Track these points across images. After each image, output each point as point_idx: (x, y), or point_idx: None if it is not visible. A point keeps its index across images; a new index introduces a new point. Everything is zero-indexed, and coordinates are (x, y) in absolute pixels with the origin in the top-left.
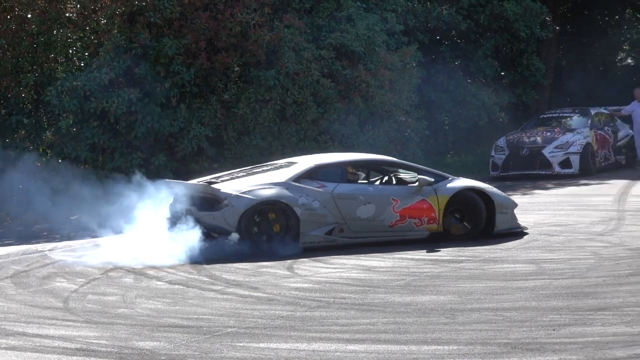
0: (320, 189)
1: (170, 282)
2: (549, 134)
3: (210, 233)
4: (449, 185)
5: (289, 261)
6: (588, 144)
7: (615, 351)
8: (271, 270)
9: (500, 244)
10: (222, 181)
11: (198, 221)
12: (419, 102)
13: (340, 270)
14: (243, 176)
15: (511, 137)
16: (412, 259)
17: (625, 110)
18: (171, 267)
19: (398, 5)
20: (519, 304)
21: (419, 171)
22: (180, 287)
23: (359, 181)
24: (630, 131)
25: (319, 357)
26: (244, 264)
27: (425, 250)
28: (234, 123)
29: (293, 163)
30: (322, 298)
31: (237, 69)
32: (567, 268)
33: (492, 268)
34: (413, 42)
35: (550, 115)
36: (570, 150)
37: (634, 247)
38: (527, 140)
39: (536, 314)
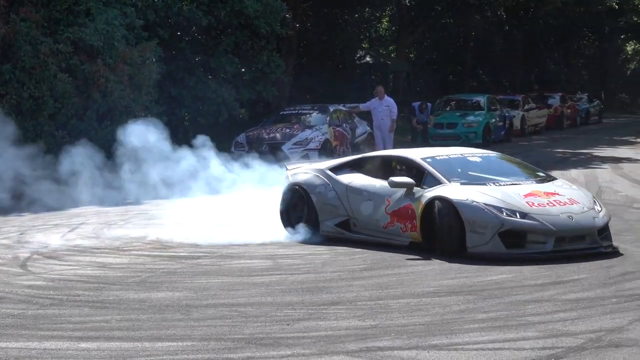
0: (343, 180)
1: None
2: (288, 130)
3: None
4: (433, 191)
5: (22, 258)
6: (326, 141)
7: (348, 345)
8: (3, 268)
9: (238, 242)
10: None
11: None
12: (159, 98)
13: (75, 267)
14: None
15: (251, 133)
16: (148, 256)
17: (364, 106)
18: None
19: (138, 0)
20: (254, 300)
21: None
22: None
23: None
24: (368, 128)
25: (50, 355)
26: None
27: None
28: None
29: None
30: (56, 296)
31: None
32: (302, 263)
33: (228, 264)
34: (153, 38)
35: (290, 112)
36: (309, 146)
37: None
38: (266, 136)
39: (271, 309)
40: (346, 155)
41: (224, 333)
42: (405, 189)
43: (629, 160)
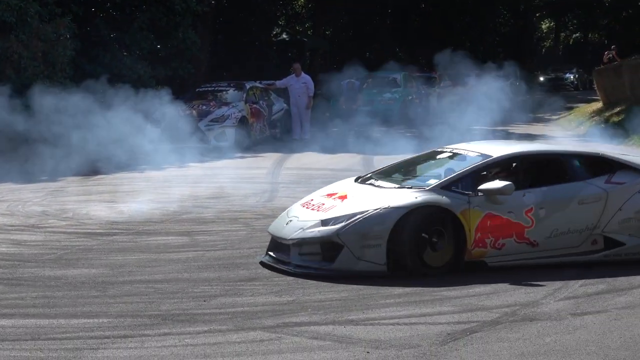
0: None
1: None
2: (204, 107)
3: None
4: None
5: None
6: (243, 117)
7: (264, 320)
8: None
9: (154, 219)
10: None
11: None
12: (74, 74)
13: None
14: None
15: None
16: (64, 232)
17: (280, 83)
18: None
19: None
20: (170, 276)
21: None
22: None
23: None
24: (285, 105)
25: None
26: None
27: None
28: None
29: None
30: None
31: None
32: (219, 240)
33: (145, 240)
34: (67, 14)
35: (206, 88)
36: (225, 123)
37: None
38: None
39: (187, 285)
40: (264, 133)
41: (140, 310)
42: None
43: (543, 137)
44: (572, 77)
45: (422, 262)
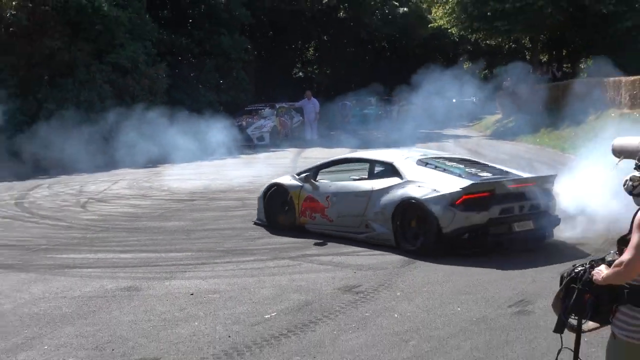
0: None
1: (1, 217)
2: (250, 119)
3: None
4: None
5: (82, 202)
6: (275, 126)
7: (290, 253)
8: (71, 208)
9: (219, 190)
10: None
11: None
12: (168, 100)
13: (116, 207)
14: None
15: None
16: (163, 199)
17: (297, 104)
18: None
19: (153, 37)
20: (230, 226)
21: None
22: (9, 220)
23: None
24: (301, 118)
25: (102, 262)
26: (49, 203)
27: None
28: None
29: None
30: (104, 225)
31: (46, 77)
32: None
33: (214, 203)
34: (164, 61)
35: (251, 108)
36: (263, 130)
37: None
38: (237, 124)
39: (241, 231)
40: (288, 136)
41: (212, 247)
42: None
43: (465, 137)
44: (474, 99)
45: (277, 222)
